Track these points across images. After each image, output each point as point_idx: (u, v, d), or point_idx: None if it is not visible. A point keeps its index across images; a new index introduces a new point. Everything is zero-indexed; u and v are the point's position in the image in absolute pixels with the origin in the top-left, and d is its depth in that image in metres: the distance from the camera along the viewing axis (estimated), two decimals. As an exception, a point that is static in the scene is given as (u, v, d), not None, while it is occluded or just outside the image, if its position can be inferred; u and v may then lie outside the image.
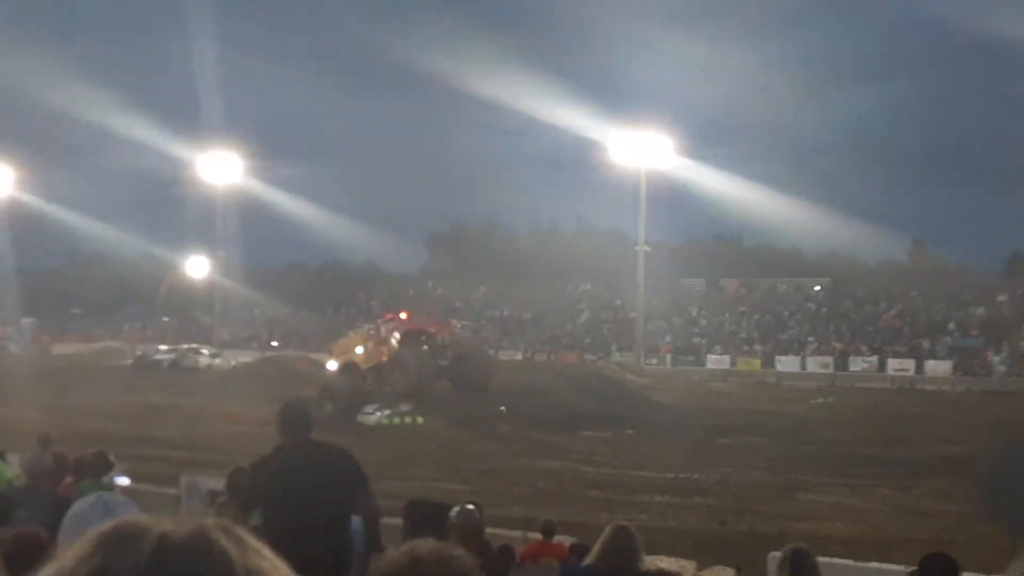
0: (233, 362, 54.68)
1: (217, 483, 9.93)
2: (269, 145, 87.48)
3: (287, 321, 76.38)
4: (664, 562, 13.36)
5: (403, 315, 39.81)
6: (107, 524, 0.76)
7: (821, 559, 7.17)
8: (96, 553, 0.68)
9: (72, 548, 0.70)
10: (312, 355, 56.71)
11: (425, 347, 35.45)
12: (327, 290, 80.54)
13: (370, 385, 35.79)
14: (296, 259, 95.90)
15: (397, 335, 36.55)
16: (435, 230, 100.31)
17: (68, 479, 8.73)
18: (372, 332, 37.87)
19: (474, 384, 34.56)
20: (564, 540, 11.91)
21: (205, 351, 57.96)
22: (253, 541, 0.79)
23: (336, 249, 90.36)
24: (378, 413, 34.04)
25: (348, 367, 36.59)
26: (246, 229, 75.44)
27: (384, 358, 35.90)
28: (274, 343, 68.60)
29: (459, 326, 41.02)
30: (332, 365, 38.51)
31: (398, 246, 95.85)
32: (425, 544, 1.65)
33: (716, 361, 58.92)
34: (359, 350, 37.09)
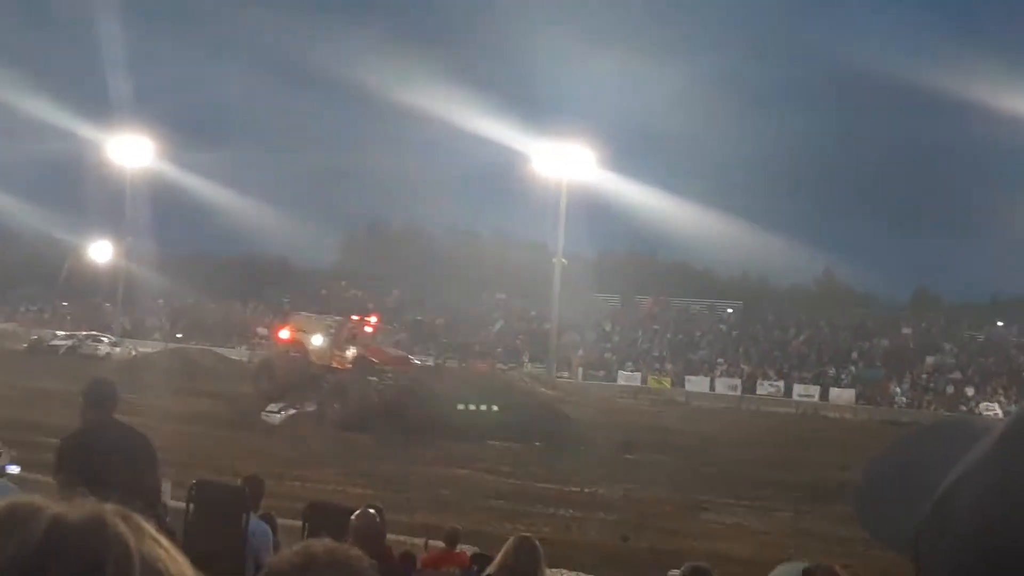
0: (134, 352, 53.19)
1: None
2: (183, 131, 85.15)
3: (193, 312, 74.65)
4: (566, 576, 13.24)
5: (372, 321, 38.63)
6: None
7: (719, 578, 7.11)
8: None
9: None
10: (217, 349, 55.58)
11: (373, 381, 33.73)
12: (237, 282, 78.87)
13: (306, 379, 34.62)
14: (205, 248, 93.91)
15: (353, 352, 35.35)
16: (351, 228, 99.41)
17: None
18: (333, 331, 36.35)
19: (415, 426, 31.31)
20: (466, 549, 11.71)
21: (105, 339, 56.30)
22: (151, 529, 0.74)
23: (248, 241, 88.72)
24: (282, 412, 33.41)
25: (295, 354, 35.66)
26: (155, 214, 73.42)
27: (335, 364, 34.92)
28: (178, 335, 66.95)
29: (417, 363, 38.58)
30: (284, 334, 37.79)
31: (312, 242, 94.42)
32: (320, 543, 1.64)
33: (627, 377, 59.39)
34: (316, 340, 35.87)
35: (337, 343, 35.45)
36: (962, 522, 0.43)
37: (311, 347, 35.69)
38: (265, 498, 10.69)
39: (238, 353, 58.59)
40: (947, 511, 0.45)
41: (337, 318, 38.32)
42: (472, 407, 32.97)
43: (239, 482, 9.44)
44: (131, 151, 65.07)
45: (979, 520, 0.42)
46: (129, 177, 66.25)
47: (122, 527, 0.70)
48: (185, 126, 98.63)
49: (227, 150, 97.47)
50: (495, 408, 33.22)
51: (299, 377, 34.28)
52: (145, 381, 38.22)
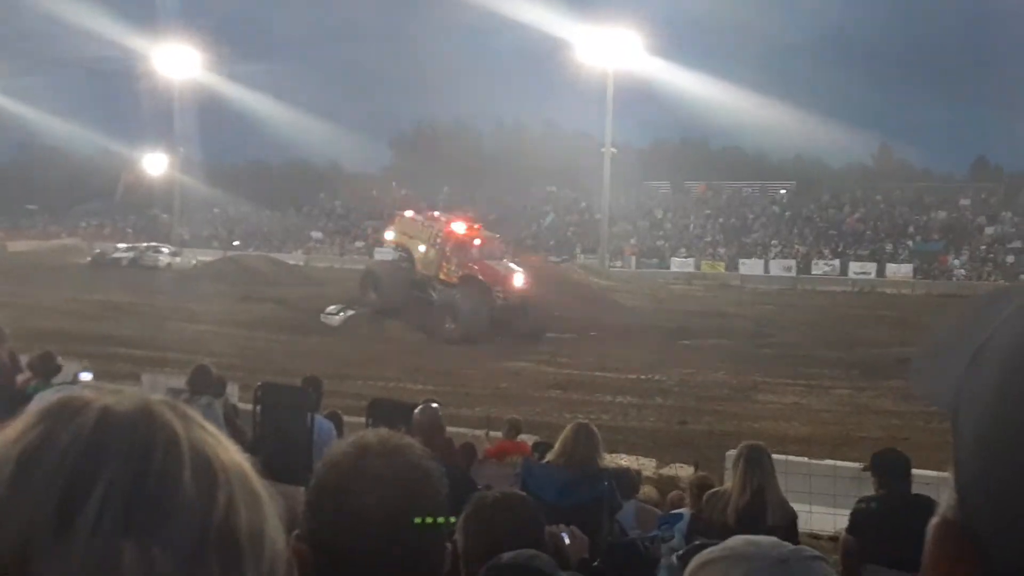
0: (194, 261, 54.14)
1: (179, 381, 9.81)
2: (230, 41, 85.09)
3: (248, 220, 75.55)
4: (625, 460, 13.51)
5: (482, 234, 35.32)
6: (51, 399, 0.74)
7: (777, 456, 7.22)
8: (38, 424, 0.70)
9: (16, 421, 0.71)
10: (274, 255, 56.34)
11: (482, 298, 31.49)
12: (289, 189, 79.50)
13: (415, 285, 33.31)
14: (257, 157, 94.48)
15: (458, 266, 32.79)
16: (399, 130, 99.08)
17: (25, 374, 8.56)
18: (439, 241, 33.61)
19: (524, 335, 30.91)
20: (527, 439, 11.99)
21: (165, 250, 57.28)
22: (199, 418, 0.77)
23: (298, 148, 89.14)
24: (341, 313, 33.89)
25: (400, 263, 34.41)
26: (205, 126, 73.94)
27: (441, 275, 32.96)
28: (236, 242, 67.91)
29: (523, 281, 33.27)
30: (389, 235, 36.52)
31: (361, 146, 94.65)
32: (373, 433, 1.64)
33: (680, 264, 59.19)
34: (421, 248, 33.85)
35: (441, 254, 33.34)
36: (990, 365, 0.46)
37: (417, 255, 33.89)
38: (329, 397, 11.04)
39: (295, 258, 59.37)
40: (980, 359, 0.47)
41: (442, 222, 35.10)
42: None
43: (300, 382, 9.73)
44: (179, 62, 65.17)
45: (1002, 373, 0.44)
46: (178, 89, 66.49)
47: (169, 415, 0.73)
48: (230, 37, 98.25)
49: (272, 60, 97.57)
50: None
51: (405, 288, 33.04)
52: (206, 289, 39.12)
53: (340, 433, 8.55)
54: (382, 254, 63.39)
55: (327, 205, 78.15)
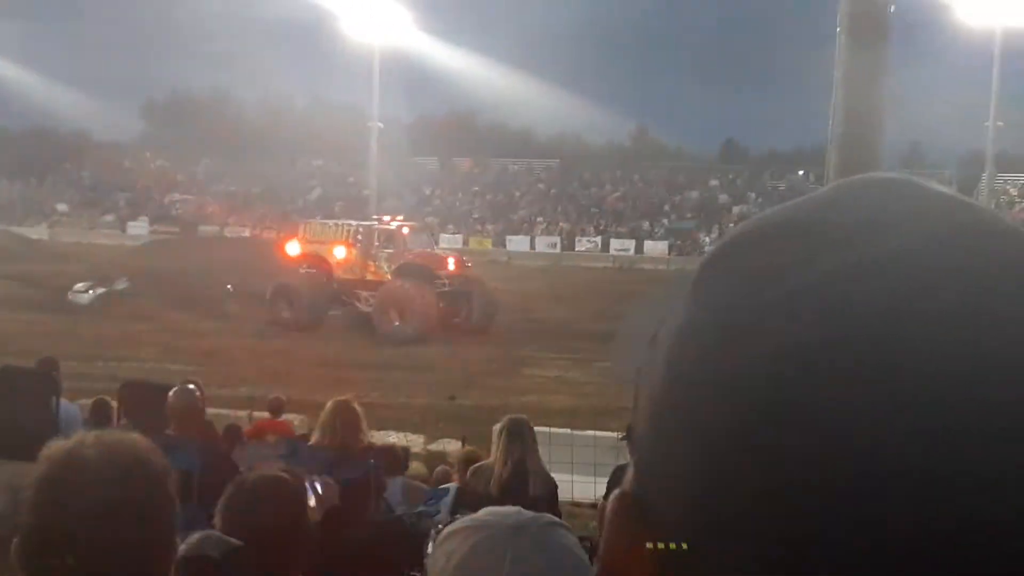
0: (-80, 235, 49.31)
1: None
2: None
3: (-16, 191, 69.61)
4: (394, 437, 13.50)
5: (408, 222, 32.95)
6: None
7: (540, 428, 7.41)
8: None
9: None
10: (15, 229, 52.29)
11: (428, 286, 28.65)
12: (29, 158, 73.72)
13: (336, 286, 29.90)
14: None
15: (389, 260, 29.99)
16: (152, 97, 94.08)
17: None
18: (359, 237, 30.58)
19: (474, 328, 29.09)
20: (293, 418, 11.72)
21: None
22: None
23: (41, 113, 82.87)
24: (91, 291, 32.00)
25: (314, 271, 30.27)
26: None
27: (369, 277, 29.80)
28: (-32, 215, 62.46)
29: (466, 263, 31.56)
30: (293, 249, 31.27)
31: (110, 113, 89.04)
32: (91, 434, 1.64)
33: (449, 240, 59.65)
34: (338, 252, 30.26)
35: (368, 251, 30.31)
36: (661, 345, 0.49)
37: (335, 260, 30.35)
38: (81, 380, 10.34)
39: (38, 232, 55.38)
40: (656, 340, 0.50)
41: (361, 223, 32.28)
42: None
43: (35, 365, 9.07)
44: None
45: (668, 354, 0.48)
46: None
47: None
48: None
49: (12, 19, 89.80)
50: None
51: (326, 297, 29.64)
52: (-66, 266, 35.77)
53: (107, 421, 8.09)
54: (135, 228, 60.32)
55: (73, 175, 73.19)
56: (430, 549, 5.47)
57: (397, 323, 27.60)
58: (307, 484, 3.69)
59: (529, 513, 1.38)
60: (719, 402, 0.43)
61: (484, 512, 1.39)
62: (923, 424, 0.39)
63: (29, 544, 1.50)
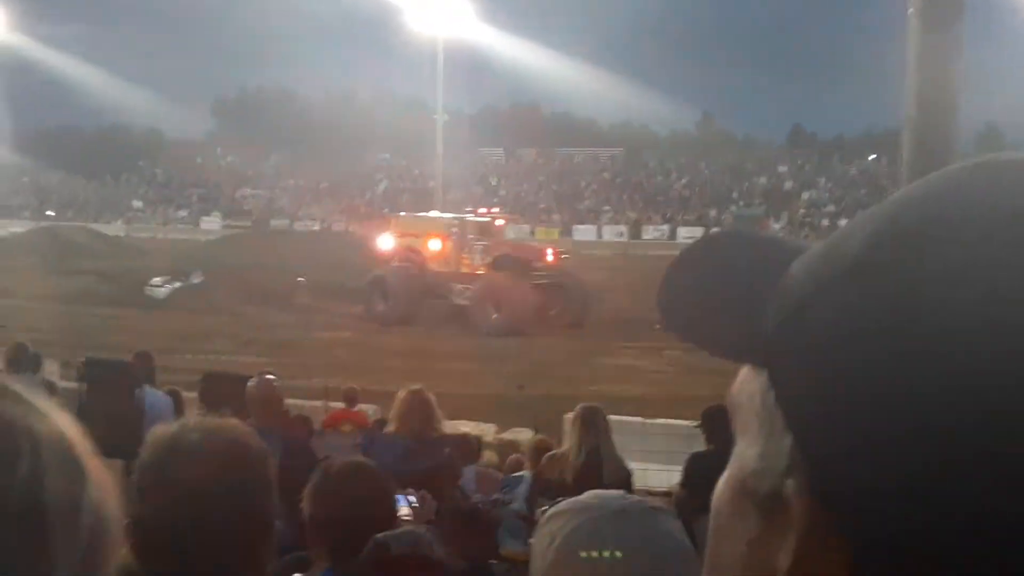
0: (3, 232, 50.85)
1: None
2: (37, 2, 79.90)
3: (62, 189, 71.53)
4: (466, 426, 13.57)
5: (494, 215, 32.14)
6: None
7: (612, 417, 7.39)
8: None
9: None
10: (92, 225, 53.60)
11: (524, 279, 27.92)
12: (105, 156, 75.60)
13: (428, 289, 29.12)
14: (69, 123, 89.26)
15: (484, 252, 29.39)
16: (222, 96, 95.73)
17: None
18: (453, 230, 30.01)
19: (570, 320, 28.20)
20: (366, 408, 11.85)
21: (-29, 221, 53.59)
22: (17, 387, 0.75)
23: (114, 113, 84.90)
24: (167, 286, 32.68)
25: (409, 264, 29.37)
26: (10, 90, 69.24)
27: (464, 270, 29.30)
28: (49, 212, 64.22)
29: (563, 255, 30.72)
30: (386, 243, 30.95)
31: (182, 112, 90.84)
32: (197, 416, 1.75)
33: (516, 231, 59.63)
34: (433, 245, 29.79)
35: (463, 244, 29.71)
36: (819, 336, 0.47)
37: (429, 253, 29.76)
38: (159, 372, 10.57)
39: (114, 228, 56.71)
40: (801, 325, 0.48)
41: (455, 216, 31.78)
42: None
43: (129, 358, 9.29)
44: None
45: (835, 335, 0.46)
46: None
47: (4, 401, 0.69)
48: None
49: (83, 21, 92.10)
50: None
51: (418, 295, 28.86)
52: (17, 262, 36.83)
53: (180, 410, 8.25)
54: (208, 223, 61.46)
55: (147, 173, 74.87)
56: (505, 535, 5.49)
57: (495, 316, 27.06)
58: (403, 498, 3.74)
59: (633, 497, 1.39)
60: (961, 403, 0.41)
61: (589, 495, 1.40)
62: None
63: (139, 529, 1.53)
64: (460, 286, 28.61)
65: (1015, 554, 0.39)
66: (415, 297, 28.66)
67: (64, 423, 0.74)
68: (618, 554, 1.27)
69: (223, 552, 1.57)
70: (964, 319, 0.41)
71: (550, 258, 29.23)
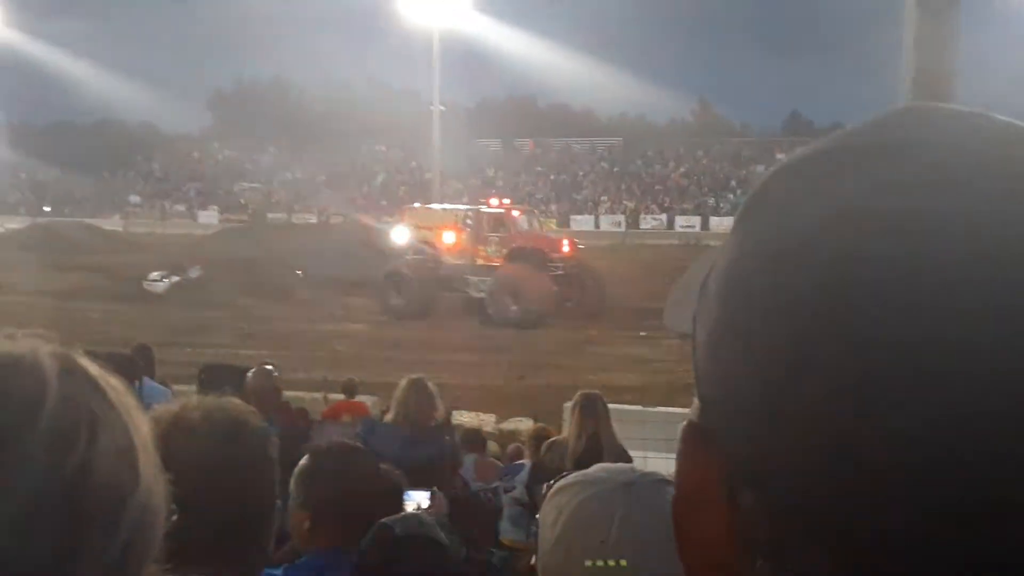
0: (0, 229, 50.79)
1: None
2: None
3: (58, 184, 71.44)
4: (466, 416, 13.60)
5: (509, 207, 31.71)
6: None
7: (612, 406, 7.39)
8: None
9: None
10: (89, 221, 53.53)
11: (543, 270, 27.74)
12: (100, 151, 75.48)
13: (444, 282, 28.91)
14: (64, 118, 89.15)
15: (500, 244, 29.10)
16: (217, 89, 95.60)
17: None
18: (468, 222, 29.67)
19: (586, 311, 27.93)
20: (366, 399, 11.87)
21: (-33, 217, 53.51)
22: (95, 374, 0.75)
23: (109, 108, 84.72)
24: (165, 280, 32.65)
25: (423, 256, 29.18)
26: (7, 85, 69.17)
27: (480, 262, 28.86)
28: (45, 208, 64.13)
29: (579, 245, 30.56)
30: (400, 235, 30.54)
31: (177, 106, 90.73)
32: (194, 398, 1.69)
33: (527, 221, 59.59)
34: (448, 238, 29.38)
35: (478, 236, 29.34)
36: (715, 279, 0.50)
37: (443, 245, 29.43)
38: (160, 366, 10.56)
39: (111, 223, 56.63)
40: (706, 282, 0.51)
41: (470, 207, 31.66)
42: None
43: (129, 351, 9.26)
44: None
45: (720, 288, 0.49)
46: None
47: (49, 365, 0.69)
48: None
49: (76, 16, 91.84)
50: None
51: (433, 288, 28.66)
52: (14, 258, 36.79)
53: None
54: (205, 217, 61.36)
55: (144, 168, 74.74)
56: (506, 523, 5.49)
57: (513, 307, 26.80)
58: (412, 498, 3.73)
59: (639, 470, 1.40)
60: (773, 321, 0.43)
61: (596, 468, 1.40)
62: (995, 327, 0.38)
63: None
64: (476, 278, 28.41)
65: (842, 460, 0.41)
66: (430, 290, 28.44)
67: (131, 417, 0.74)
68: (623, 563, 1.28)
69: (225, 530, 1.57)
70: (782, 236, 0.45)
71: (566, 249, 29.03)
